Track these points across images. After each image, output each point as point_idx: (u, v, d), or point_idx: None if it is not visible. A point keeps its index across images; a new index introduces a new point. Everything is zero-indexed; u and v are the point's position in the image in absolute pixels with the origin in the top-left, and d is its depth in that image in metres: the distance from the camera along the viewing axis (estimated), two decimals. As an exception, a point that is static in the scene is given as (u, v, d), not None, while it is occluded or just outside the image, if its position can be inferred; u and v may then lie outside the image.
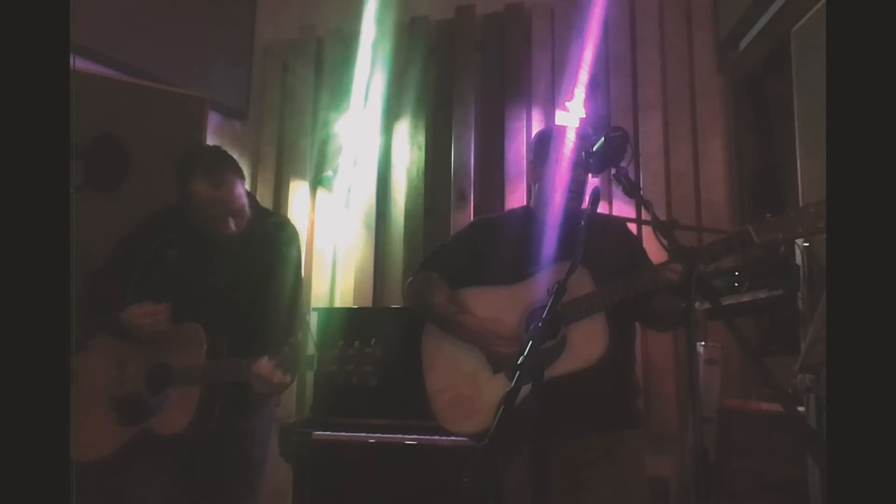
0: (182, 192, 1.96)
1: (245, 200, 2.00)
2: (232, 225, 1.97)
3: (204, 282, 2.02)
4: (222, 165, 1.96)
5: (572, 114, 3.30)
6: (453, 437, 1.85)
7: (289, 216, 3.53)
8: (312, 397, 3.26)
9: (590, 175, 1.86)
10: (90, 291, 2.06)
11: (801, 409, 2.02)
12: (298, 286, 2.13)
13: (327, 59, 3.89)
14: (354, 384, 1.79)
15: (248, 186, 2.09)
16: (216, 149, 2.09)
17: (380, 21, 3.69)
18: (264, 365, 1.81)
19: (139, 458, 1.94)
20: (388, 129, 3.72)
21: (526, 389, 1.35)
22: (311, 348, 1.94)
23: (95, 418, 2.00)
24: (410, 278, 2.04)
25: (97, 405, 2.01)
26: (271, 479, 2.57)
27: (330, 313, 3.32)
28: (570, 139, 1.91)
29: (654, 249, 1.79)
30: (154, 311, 1.93)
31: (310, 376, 3.41)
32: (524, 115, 3.53)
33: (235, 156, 2.13)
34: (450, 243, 2.12)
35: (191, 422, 1.88)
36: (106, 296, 2.02)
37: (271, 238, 2.08)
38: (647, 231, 2.85)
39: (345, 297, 3.62)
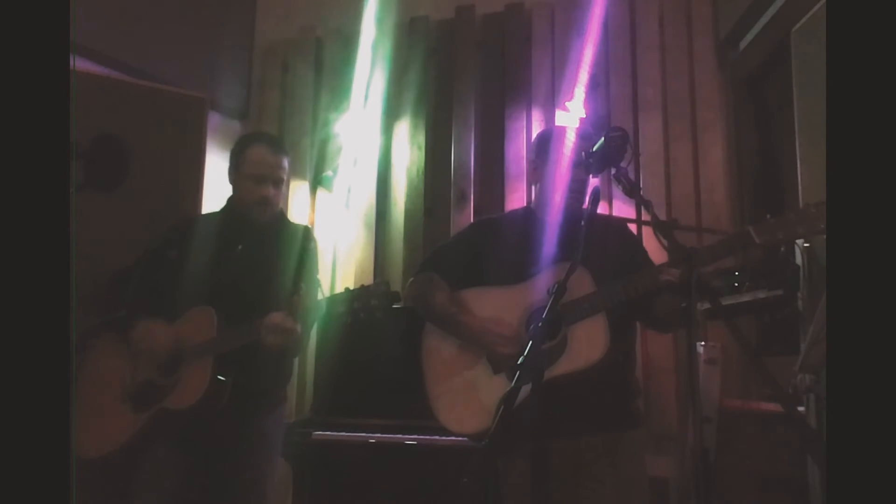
0: (236, 161, 2.16)
1: (286, 177, 2.22)
2: (271, 191, 2.14)
3: (227, 267, 2.08)
4: (279, 141, 2.29)
5: (572, 114, 3.30)
6: (453, 437, 1.85)
7: (289, 216, 3.55)
8: (312, 397, 3.25)
9: (590, 175, 1.86)
10: (109, 293, 2.13)
11: (801, 409, 2.02)
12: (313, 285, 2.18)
13: (327, 59, 3.89)
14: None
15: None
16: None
17: (380, 21, 3.69)
18: (275, 315, 1.88)
19: (152, 448, 1.97)
20: (388, 129, 3.72)
21: (526, 390, 1.35)
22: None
23: (110, 413, 2.04)
24: (411, 279, 2.04)
25: (111, 400, 2.05)
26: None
27: (330, 313, 3.31)
28: (571, 139, 1.91)
29: (654, 249, 1.79)
30: (151, 335, 2.01)
31: (310, 376, 3.41)
32: (524, 115, 3.53)
33: (235, 156, 2.22)
34: (450, 244, 2.12)
35: (203, 395, 1.90)
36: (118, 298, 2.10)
37: (292, 239, 2.17)
38: (647, 231, 2.85)
39: (345, 297, 3.61)
